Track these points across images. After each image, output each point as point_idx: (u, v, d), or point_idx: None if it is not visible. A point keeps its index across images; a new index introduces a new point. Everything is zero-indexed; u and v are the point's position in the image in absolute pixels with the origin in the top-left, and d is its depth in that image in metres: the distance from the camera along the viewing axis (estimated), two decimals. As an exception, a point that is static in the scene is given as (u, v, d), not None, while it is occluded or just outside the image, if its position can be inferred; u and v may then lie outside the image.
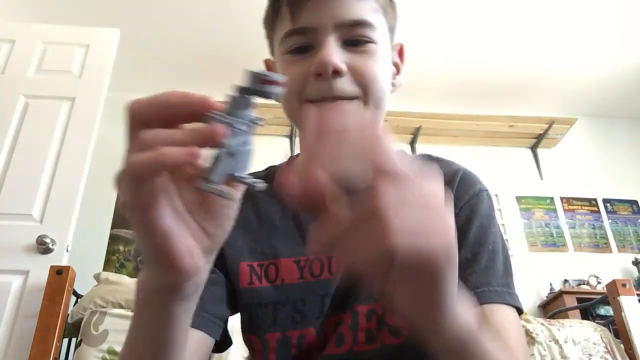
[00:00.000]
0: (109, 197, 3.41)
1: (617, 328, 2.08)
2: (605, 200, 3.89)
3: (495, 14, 3.22)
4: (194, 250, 0.35)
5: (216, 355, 1.60)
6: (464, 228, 0.62)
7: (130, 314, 1.95)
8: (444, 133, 3.86)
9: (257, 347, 0.65)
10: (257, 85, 0.33)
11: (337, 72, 0.56)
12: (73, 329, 2.03)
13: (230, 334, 0.69)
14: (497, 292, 0.58)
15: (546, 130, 3.88)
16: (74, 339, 2.12)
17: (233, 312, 0.68)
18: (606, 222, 3.81)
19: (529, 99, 3.99)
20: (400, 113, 3.55)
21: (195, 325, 0.59)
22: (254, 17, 0.83)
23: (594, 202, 3.88)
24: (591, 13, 3.21)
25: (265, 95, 0.33)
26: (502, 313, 0.56)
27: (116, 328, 1.90)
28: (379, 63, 0.60)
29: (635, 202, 3.91)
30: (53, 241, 2.01)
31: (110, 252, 3.27)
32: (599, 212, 3.85)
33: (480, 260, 0.60)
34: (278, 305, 0.64)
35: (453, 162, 0.69)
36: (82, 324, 1.94)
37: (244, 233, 0.67)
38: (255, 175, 0.48)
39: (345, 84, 0.58)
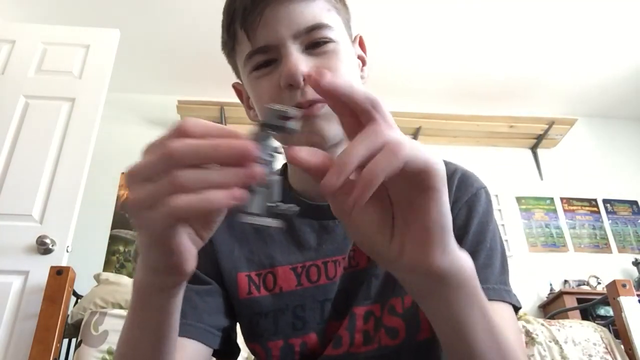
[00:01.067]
0: (109, 197, 3.42)
1: (617, 328, 2.08)
2: (605, 201, 3.89)
3: (495, 14, 3.22)
4: (193, 254, 0.39)
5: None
6: (463, 227, 0.63)
7: (130, 314, 1.95)
8: (444, 133, 3.86)
9: (261, 354, 0.66)
10: (276, 120, 0.35)
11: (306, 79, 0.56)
12: (73, 330, 2.03)
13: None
14: (494, 290, 0.58)
15: (546, 131, 3.88)
16: (74, 340, 2.11)
17: (233, 321, 0.68)
18: (606, 223, 3.81)
19: (529, 100, 3.99)
20: (400, 113, 3.55)
21: (191, 335, 0.61)
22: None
23: (594, 202, 3.88)
24: (591, 15, 3.21)
25: (284, 130, 0.36)
26: (499, 310, 0.57)
27: (116, 328, 1.89)
28: (343, 61, 0.61)
29: (635, 202, 3.91)
30: (53, 241, 2.01)
31: (110, 253, 3.27)
32: (599, 212, 3.85)
33: (479, 258, 0.60)
34: (278, 313, 0.65)
35: (450, 162, 0.69)
36: (82, 325, 1.94)
37: (240, 244, 0.68)
38: None
39: None
